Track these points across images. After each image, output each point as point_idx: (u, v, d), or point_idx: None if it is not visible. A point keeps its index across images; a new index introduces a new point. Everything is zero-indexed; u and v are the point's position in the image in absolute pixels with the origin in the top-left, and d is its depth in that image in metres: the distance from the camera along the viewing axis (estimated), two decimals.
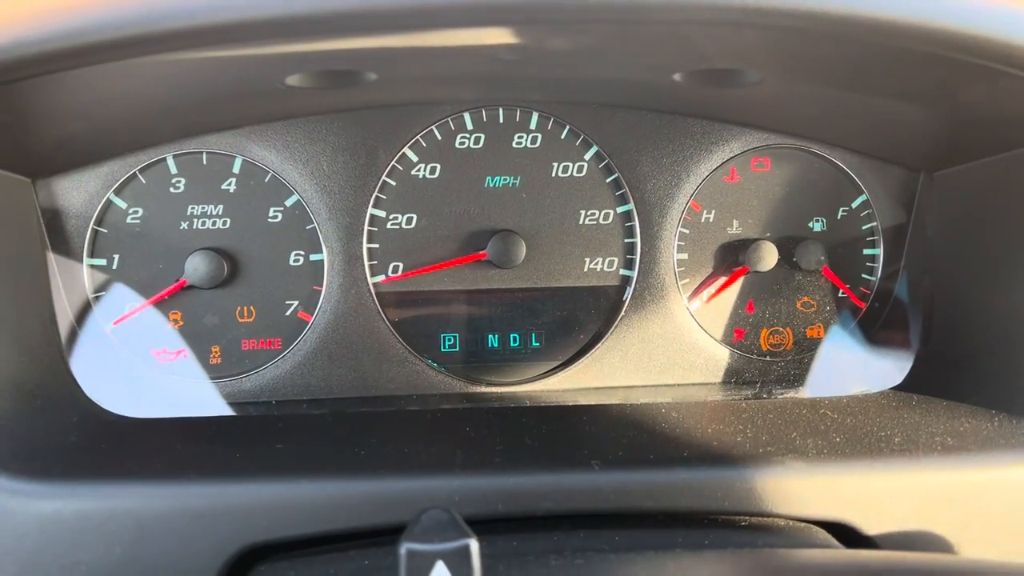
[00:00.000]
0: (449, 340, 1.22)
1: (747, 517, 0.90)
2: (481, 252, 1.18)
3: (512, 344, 1.23)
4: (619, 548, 0.83)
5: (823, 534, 0.90)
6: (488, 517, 0.87)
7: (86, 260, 1.13)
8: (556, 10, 0.61)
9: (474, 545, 0.65)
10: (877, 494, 0.90)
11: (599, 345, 1.22)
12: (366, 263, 1.17)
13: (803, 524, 0.90)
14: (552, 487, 0.87)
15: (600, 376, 1.23)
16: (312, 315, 1.17)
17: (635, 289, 1.22)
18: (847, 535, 0.90)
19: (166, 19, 0.70)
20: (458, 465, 0.89)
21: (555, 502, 0.87)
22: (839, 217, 1.25)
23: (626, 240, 1.22)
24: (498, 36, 0.73)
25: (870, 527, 0.90)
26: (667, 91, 1.06)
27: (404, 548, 0.64)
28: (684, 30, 0.70)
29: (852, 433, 0.99)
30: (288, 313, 1.17)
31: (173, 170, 1.14)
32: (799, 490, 0.89)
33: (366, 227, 1.17)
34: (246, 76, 0.88)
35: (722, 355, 1.24)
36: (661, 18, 0.61)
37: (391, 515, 0.85)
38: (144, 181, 1.14)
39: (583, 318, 1.23)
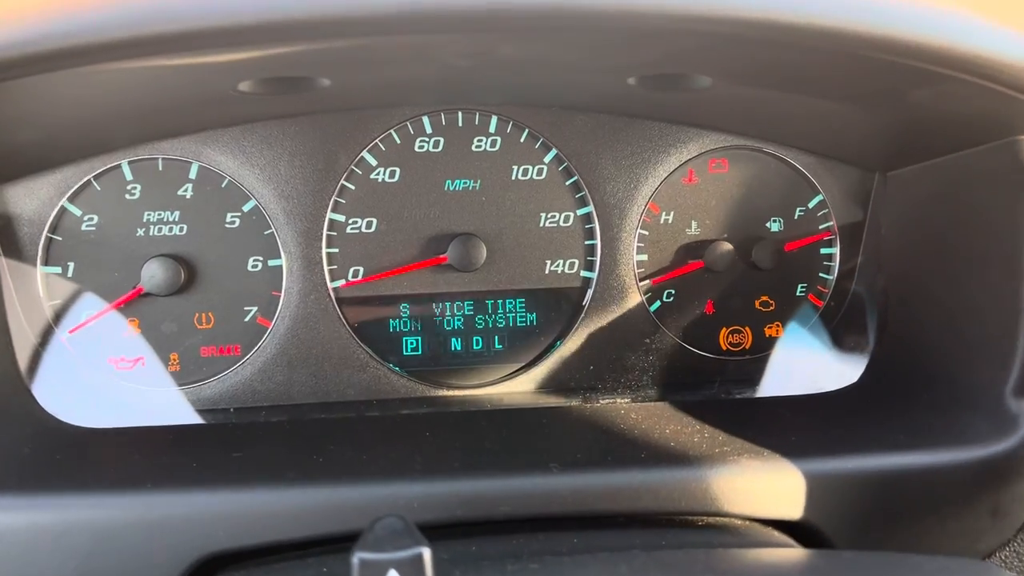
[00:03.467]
0: (412, 344, 1.22)
1: (704, 517, 0.91)
2: (442, 256, 1.17)
3: (475, 347, 1.24)
4: (576, 551, 0.83)
5: (780, 534, 0.91)
6: (447, 522, 0.88)
7: (40, 268, 1.11)
8: (496, 18, 0.61)
9: (427, 553, 0.65)
10: (832, 492, 0.91)
11: (561, 346, 1.23)
12: (325, 268, 1.16)
13: (760, 524, 0.91)
14: (510, 491, 0.87)
15: (563, 378, 1.24)
16: (271, 321, 1.16)
17: (595, 290, 1.23)
18: (804, 534, 0.92)
19: (111, 29, 0.69)
20: (417, 470, 0.89)
21: (514, 506, 0.87)
22: (796, 217, 1.26)
23: (586, 242, 1.23)
24: (445, 43, 0.74)
25: (826, 526, 0.91)
26: (624, 94, 1.07)
27: (357, 557, 0.65)
28: (628, 37, 0.71)
29: (808, 432, 1.01)
30: (247, 319, 1.16)
31: (128, 176, 1.13)
32: (755, 490, 0.90)
33: (325, 231, 1.16)
34: (198, 82, 0.87)
35: (682, 355, 1.25)
36: (598, 25, 0.62)
37: (350, 522, 0.85)
38: (99, 188, 1.12)
39: (545, 320, 1.24)
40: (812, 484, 0.90)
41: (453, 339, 1.23)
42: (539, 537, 0.86)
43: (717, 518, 0.90)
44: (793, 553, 0.79)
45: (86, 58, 0.72)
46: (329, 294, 1.17)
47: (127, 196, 1.13)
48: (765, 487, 0.90)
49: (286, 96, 1.00)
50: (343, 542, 0.85)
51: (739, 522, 0.91)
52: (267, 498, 0.84)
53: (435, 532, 0.88)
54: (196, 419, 1.14)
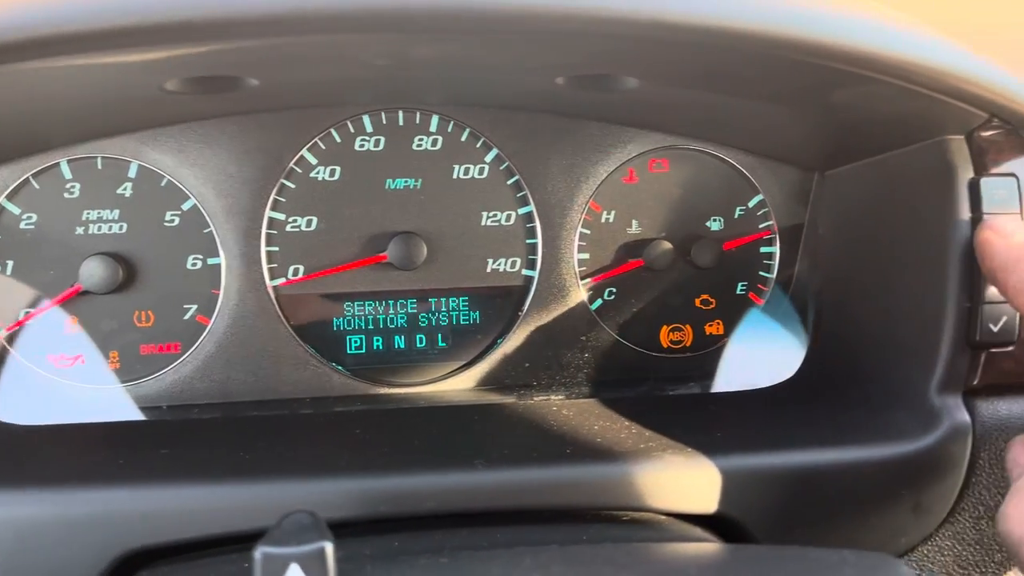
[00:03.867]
0: (356, 342, 1.23)
1: (628, 513, 0.92)
2: (382, 254, 1.18)
3: (419, 345, 1.24)
4: (498, 546, 0.84)
5: (703, 530, 0.92)
6: (372, 518, 0.89)
7: None
8: (398, 20, 0.62)
9: (329, 547, 0.66)
10: (755, 488, 0.93)
11: (502, 344, 1.24)
12: (264, 266, 1.17)
13: (683, 519, 0.92)
14: (435, 487, 0.88)
15: (503, 375, 1.24)
16: (211, 319, 1.16)
17: (537, 289, 1.24)
18: (728, 529, 0.93)
19: (23, 28, 0.70)
20: (342, 467, 0.90)
21: (438, 502, 0.88)
22: (736, 216, 1.28)
23: (528, 241, 1.24)
24: (357, 44, 0.74)
25: (749, 522, 0.93)
26: (560, 94, 1.08)
27: (259, 552, 0.65)
28: (533, 39, 0.72)
29: (735, 428, 1.02)
30: (187, 317, 1.17)
31: (67, 175, 1.13)
32: (677, 485, 0.91)
33: (264, 230, 1.16)
34: (123, 82, 0.88)
35: (623, 353, 1.26)
36: (498, 28, 0.63)
37: (269, 518, 0.86)
38: (37, 186, 1.13)
39: (487, 318, 1.25)
40: (735, 480, 0.92)
41: (397, 337, 1.24)
42: (463, 533, 0.87)
43: (642, 513, 0.92)
44: (697, 547, 0.80)
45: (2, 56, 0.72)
46: (268, 292, 1.17)
47: (66, 195, 1.13)
48: (687, 483, 0.91)
49: (222, 95, 1.01)
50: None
51: (663, 517, 0.93)
52: (189, 494, 0.85)
53: (362, 528, 0.89)
54: (134, 416, 1.14)
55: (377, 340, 1.23)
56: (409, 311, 1.23)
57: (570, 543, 0.84)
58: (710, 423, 1.02)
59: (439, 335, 1.25)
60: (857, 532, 0.97)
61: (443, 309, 1.24)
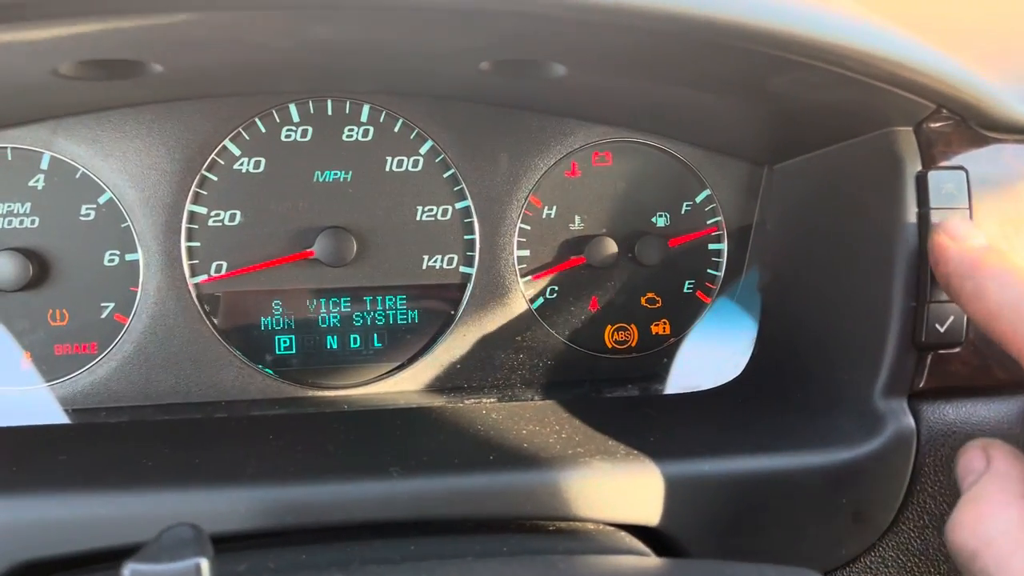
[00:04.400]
0: (285, 342, 1.17)
1: (553, 522, 0.87)
2: (309, 250, 1.13)
3: (353, 345, 1.19)
4: (411, 558, 0.80)
5: (631, 539, 0.88)
6: (278, 529, 0.84)
7: None
8: None
9: (205, 564, 0.61)
10: (686, 496, 0.88)
11: (439, 344, 1.19)
12: (185, 262, 1.11)
13: (612, 528, 0.88)
14: (345, 497, 0.83)
15: (441, 376, 1.19)
16: (128, 318, 1.11)
17: (475, 286, 1.19)
18: (658, 539, 0.88)
19: None
20: (248, 475, 0.85)
21: (348, 512, 0.83)
22: (683, 212, 1.23)
23: (466, 237, 1.19)
24: (249, 22, 0.69)
25: (678, 531, 0.88)
26: (492, 83, 1.03)
27: (128, 569, 0.60)
28: (435, 16, 0.67)
29: (669, 432, 0.97)
30: (104, 316, 1.11)
31: None
32: (605, 493, 0.86)
33: (184, 224, 1.11)
34: (10, 65, 0.82)
35: (566, 354, 1.22)
36: (387, 6, 0.58)
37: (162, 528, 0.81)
38: None
39: (423, 317, 1.19)
40: (666, 488, 0.87)
41: (329, 337, 1.18)
42: (375, 545, 0.82)
43: (567, 523, 0.87)
44: (612, 560, 0.76)
45: None
46: (189, 290, 1.12)
47: None
48: (615, 491, 0.86)
49: (130, 81, 0.95)
50: None
51: (591, 526, 0.88)
52: (80, 504, 0.79)
53: (269, 541, 0.84)
54: (44, 420, 1.08)
55: (308, 340, 1.18)
56: (343, 310, 1.18)
57: (487, 555, 0.80)
58: (644, 427, 0.97)
59: (375, 335, 1.19)
60: (795, 542, 0.92)
61: (379, 308, 1.19)
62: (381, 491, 0.83)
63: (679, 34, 0.71)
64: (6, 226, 1.08)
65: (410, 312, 1.20)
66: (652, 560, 0.78)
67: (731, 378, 1.12)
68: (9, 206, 1.08)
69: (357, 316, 1.19)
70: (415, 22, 0.70)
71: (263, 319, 1.16)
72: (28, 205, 1.09)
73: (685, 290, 1.24)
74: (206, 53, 0.84)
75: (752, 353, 1.14)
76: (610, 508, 0.86)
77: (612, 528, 0.88)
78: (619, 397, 1.16)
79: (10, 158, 1.08)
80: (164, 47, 0.80)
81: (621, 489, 0.86)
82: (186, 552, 0.62)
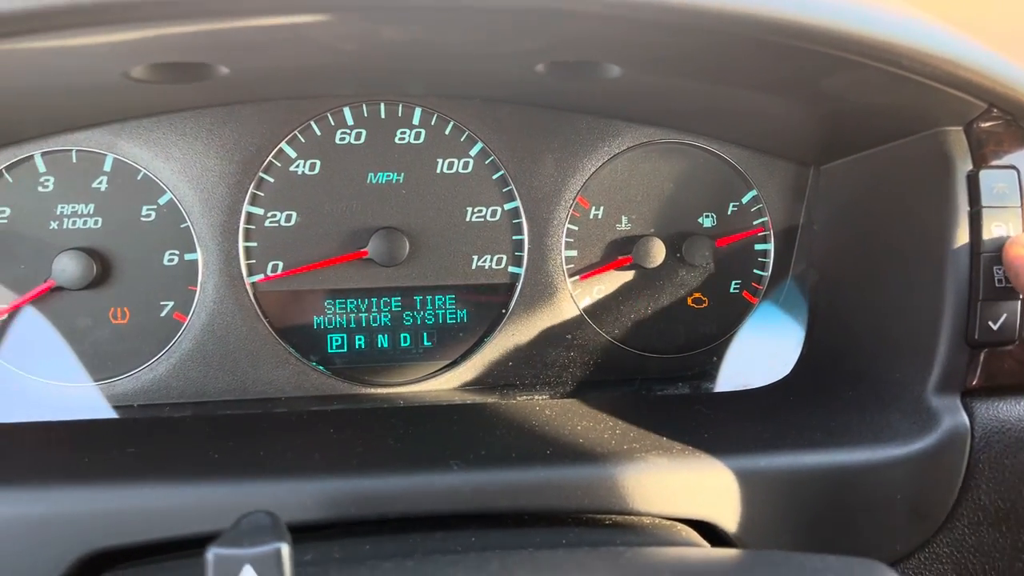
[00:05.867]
0: (337, 340, 1.19)
1: (610, 516, 0.89)
2: (362, 250, 1.15)
3: (403, 344, 1.21)
4: (471, 549, 0.81)
5: (688, 532, 0.89)
6: (344, 520, 0.86)
7: None
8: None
9: (285, 549, 0.62)
10: (741, 492, 0.89)
11: (488, 343, 1.20)
12: (243, 262, 1.14)
13: (668, 522, 0.89)
14: (407, 489, 0.85)
15: (490, 375, 1.21)
16: (187, 316, 1.14)
17: (523, 286, 1.20)
18: (713, 534, 0.89)
19: None
20: (312, 468, 0.87)
21: (409, 504, 0.85)
22: (729, 212, 1.24)
23: (514, 237, 1.21)
24: (321, 26, 0.71)
25: (733, 525, 0.89)
26: (544, 85, 1.05)
27: (211, 553, 0.62)
28: (511, 18, 0.69)
29: (723, 429, 0.98)
30: (163, 314, 1.14)
31: (41, 168, 1.11)
32: (661, 487, 0.87)
33: (242, 225, 1.13)
34: (87, 69, 0.85)
35: (612, 352, 1.23)
36: (464, 7, 0.60)
37: (233, 520, 0.83)
38: (11, 180, 1.10)
39: (472, 316, 1.21)
40: (721, 483, 0.88)
41: (380, 336, 1.20)
42: (436, 537, 0.84)
43: (624, 516, 0.88)
44: (675, 551, 0.77)
45: None
46: (247, 289, 1.14)
47: (40, 188, 1.11)
48: (671, 486, 0.87)
49: (196, 84, 0.98)
50: None
51: (647, 520, 0.89)
52: (154, 494, 0.82)
53: (333, 531, 0.86)
54: (106, 415, 1.11)
55: (359, 339, 1.20)
56: (393, 309, 1.20)
57: (546, 547, 0.81)
58: (698, 424, 0.98)
59: (424, 334, 1.22)
60: (849, 539, 0.93)
61: (429, 308, 1.21)
62: (442, 484, 0.85)
63: (741, 34, 0.72)
64: (70, 226, 1.12)
65: (459, 312, 1.22)
66: (719, 551, 0.79)
67: (780, 377, 1.12)
68: (74, 207, 1.11)
69: (407, 315, 1.21)
70: (483, 23, 0.72)
71: (316, 318, 1.19)
72: (92, 206, 1.12)
73: (731, 290, 1.25)
74: (272, 55, 0.86)
75: (801, 352, 1.15)
76: (666, 502, 0.87)
77: (669, 522, 0.89)
78: (670, 395, 1.17)
79: (75, 160, 1.11)
80: (233, 49, 0.83)
81: (678, 484, 0.87)
82: (266, 538, 0.64)
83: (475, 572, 0.66)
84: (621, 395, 1.14)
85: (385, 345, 1.21)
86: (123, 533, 0.81)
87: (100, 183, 1.12)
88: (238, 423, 1.02)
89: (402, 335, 1.21)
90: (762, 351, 1.22)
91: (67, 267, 1.08)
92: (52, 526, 0.80)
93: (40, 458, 0.91)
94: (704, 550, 0.79)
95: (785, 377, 1.12)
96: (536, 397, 1.13)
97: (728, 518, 0.88)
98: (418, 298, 1.21)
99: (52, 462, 0.89)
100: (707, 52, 0.82)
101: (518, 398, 1.13)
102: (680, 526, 0.89)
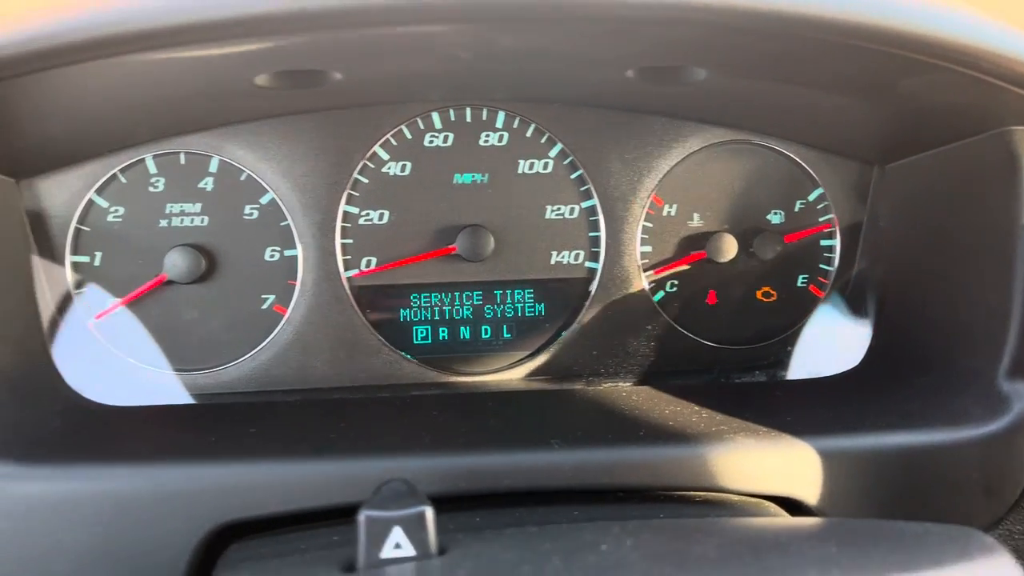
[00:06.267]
0: (422, 332, 1.26)
1: (700, 493, 0.94)
2: (451, 246, 1.22)
3: (484, 335, 1.28)
4: (581, 520, 0.87)
5: (774, 508, 0.94)
6: (452, 494, 0.92)
7: (69, 257, 1.17)
8: (496, 9, 0.65)
9: (429, 512, 0.69)
10: (826, 471, 0.94)
11: (566, 335, 1.27)
12: (339, 258, 1.21)
13: (754, 499, 0.94)
14: (513, 465, 0.91)
15: (567, 364, 1.27)
16: (287, 309, 1.21)
17: (600, 281, 1.27)
18: (798, 512, 0.95)
19: (137, 20, 0.74)
20: (424, 446, 0.93)
21: (515, 479, 0.91)
22: (796, 209, 1.30)
23: (591, 234, 1.27)
24: (447, 34, 0.78)
25: (819, 503, 0.94)
26: (626, 88, 1.11)
27: (363, 515, 0.68)
28: (623, 27, 0.75)
29: (803, 413, 1.03)
30: (264, 307, 1.21)
31: (152, 170, 1.18)
32: (750, 466, 0.93)
33: (339, 223, 1.21)
34: (216, 76, 0.92)
35: (684, 343, 1.29)
36: (594, 16, 0.66)
37: (359, 493, 0.89)
38: (124, 181, 1.18)
39: (551, 309, 1.28)
40: (806, 462, 0.93)
41: (462, 328, 1.27)
42: (539, 510, 0.90)
43: (713, 493, 0.94)
44: (788, 521, 0.82)
45: (110, 49, 0.77)
46: (343, 283, 1.21)
47: (151, 188, 1.19)
48: (760, 464, 0.93)
49: (302, 91, 1.05)
50: (351, 513, 0.90)
51: (734, 497, 0.94)
52: (280, 470, 0.88)
53: (441, 505, 0.92)
54: (215, 401, 1.18)
55: (443, 331, 1.27)
56: (475, 303, 1.27)
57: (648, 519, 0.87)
58: (779, 408, 1.04)
59: (504, 326, 1.28)
60: (927, 516, 0.97)
61: (508, 301, 1.28)
62: (545, 461, 0.91)
63: (839, 40, 0.78)
64: (179, 224, 1.19)
65: (537, 305, 1.28)
66: (823, 520, 0.84)
67: (852, 366, 1.17)
68: (182, 206, 1.19)
69: (488, 308, 1.27)
70: (596, 31, 0.78)
71: (403, 310, 1.26)
72: (199, 205, 1.19)
73: (799, 284, 1.31)
74: (386, 63, 0.93)
75: (871, 342, 1.20)
76: (755, 480, 0.92)
77: (755, 499, 0.94)
78: (747, 383, 1.22)
79: (183, 162, 1.19)
80: (354, 57, 0.90)
81: (766, 463, 0.92)
82: (409, 502, 0.70)
83: (601, 535, 0.71)
84: (700, 383, 1.19)
85: (467, 337, 1.27)
86: (251, 507, 0.88)
87: (206, 183, 1.20)
88: (343, 407, 1.09)
89: (483, 327, 1.28)
90: (830, 342, 1.27)
91: (178, 262, 1.16)
92: (187, 499, 0.86)
93: (167, 437, 0.98)
94: (809, 520, 0.85)
95: (857, 366, 1.17)
96: (619, 384, 1.19)
97: (814, 495, 0.93)
98: (498, 292, 1.27)
99: (180, 440, 0.96)
100: (797, 56, 0.87)
101: (603, 385, 1.19)
102: (766, 503, 0.94)
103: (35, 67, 0.76)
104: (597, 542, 0.69)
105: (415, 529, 0.69)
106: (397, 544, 0.69)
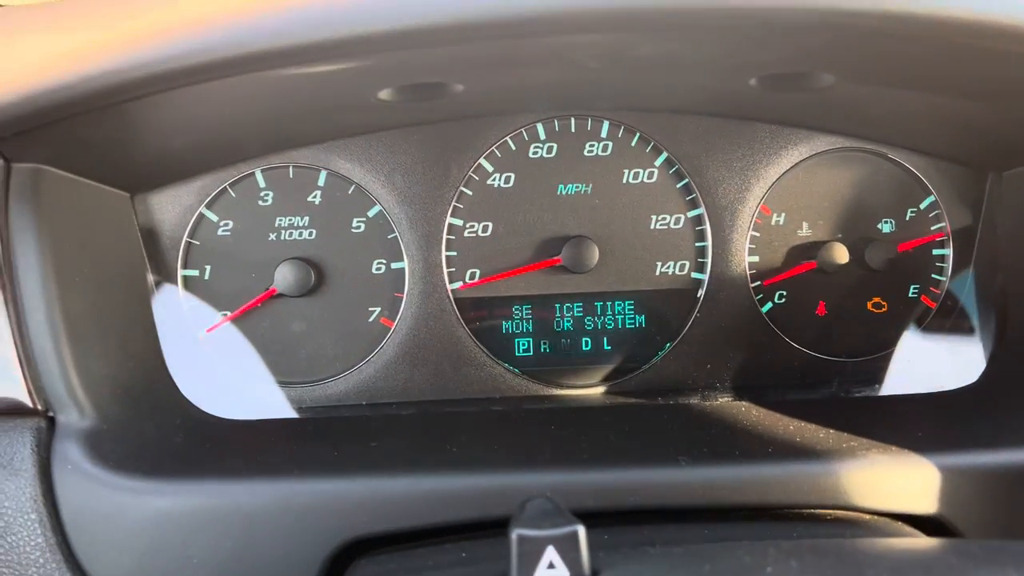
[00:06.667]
0: (523, 345, 1.25)
1: (832, 512, 0.91)
2: (556, 258, 1.21)
3: (584, 348, 1.26)
4: (708, 541, 0.85)
5: (911, 529, 0.91)
6: (577, 511, 0.90)
7: (180, 271, 1.18)
8: (641, 16, 0.64)
9: (582, 531, 0.67)
10: (962, 487, 0.91)
11: (672, 348, 1.25)
12: (445, 270, 1.21)
13: (889, 519, 0.91)
14: (640, 482, 0.89)
15: (674, 378, 1.25)
16: (394, 321, 1.21)
17: (707, 291, 1.24)
18: (934, 530, 0.91)
19: (279, 38, 0.74)
20: (547, 461, 0.92)
21: (643, 497, 0.89)
22: (908, 218, 1.26)
23: (697, 244, 1.25)
24: (586, 44, 0.77)
25: (957, 521, 0.91)
26: (738, 96, 1.09)
27: (515, 534, 0.67)
28: (767, 33, 0.73)
29: (934, 428, 1.00)
30: (371, 319, 1.21)
31: (261, 184, 1.20)
32: (884, 484, 0.90)
33: (444, 235, 1.21)
34: (341, 91, 0.92)
35: (795, 356, 1.26)
36: (744, 22, 0.64)
37: (486, 509, 0.88)
38: (234, 195, 1.19)
39: (654, 321, 1.26)
40: (941, 479, 0.90)
41: (563, 340, 1.26)
42: (669, 528, 0.88)
43: (845, 512, 0.91)
44: (948, 542, 0.79)
45: (249, 66, 0.77)
46: (448, 296, 1.21)
47: (260, 202, 1.20)
48: (893, 481, 0.90)
49: (414, 104, 1.05)
50: (479, 529, 0.89)
51: (867, 516, 0.92)
52: (407, 485, 0.88)
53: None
54: (324, 414, 1.19)
55: (543, 343, 1.26)
56: (575, 315, 1.25)
57: (781, 538, 0.84)
58: (905, 423, 1.01)
59: (604, 339, 1.26)
60: None
61: (608, 313, 1.26)
62: (673, 478, 0.89)
63: (990, 44, 0.75)
64: (287, 238, 1.20)
65: (638, 316, 1.26)
66: (983, 542, 0.81)
67: (972, 379, 1.14)
68: (291, 219, 1.20)
69: (588, 321, 1.26)
70: (736, 40, 0.77)
71: (505, 323, 1.25)
72: (307, 218, 1.20)
73: (910, 294, 1.27)
74: (510, 74, 0.92)
75: (992, 354, 1.16)
76: (889, 498, 0.89)
77: (888, 518, 0.91)
78: (865, 396, 1.19)
79: (292, 176, 1.20)
80: (478, 69, 0.89)
81: (899, 480, 0.90)
82: (559, 520, 0.69)
83: (759, 556, 0.69)
84: (819, 397, 1.16)
85: (568, 349, 1.26)
86: (378, 522, 0.87)
87: (315, 197, 1.20)
88: (456, 420, 1.08)
89: (583, 339, 1.26)
90: (946, 354, 1.23)
91: (287, 275, 1.17)
92: (316, 515, 0.86)
93: (289, 451, 0.98)
94: (971, 542, 0.82)
95: (977, 380, 1.13)
96: (734, 399, 1.17)
97: (950, 514, 0.90)
98: (598, 304, 1.26)
99: (303, 455, 0.96)
100: (938, 60, 0.85)
101: (719, 400, 1.16)
102: (900, 523, 0.91)
103: (179, 83, 0.76)
104: (760, 564, 0.67)
105: (569, 549, 0.67)
106: (551, 564, 0.67)
